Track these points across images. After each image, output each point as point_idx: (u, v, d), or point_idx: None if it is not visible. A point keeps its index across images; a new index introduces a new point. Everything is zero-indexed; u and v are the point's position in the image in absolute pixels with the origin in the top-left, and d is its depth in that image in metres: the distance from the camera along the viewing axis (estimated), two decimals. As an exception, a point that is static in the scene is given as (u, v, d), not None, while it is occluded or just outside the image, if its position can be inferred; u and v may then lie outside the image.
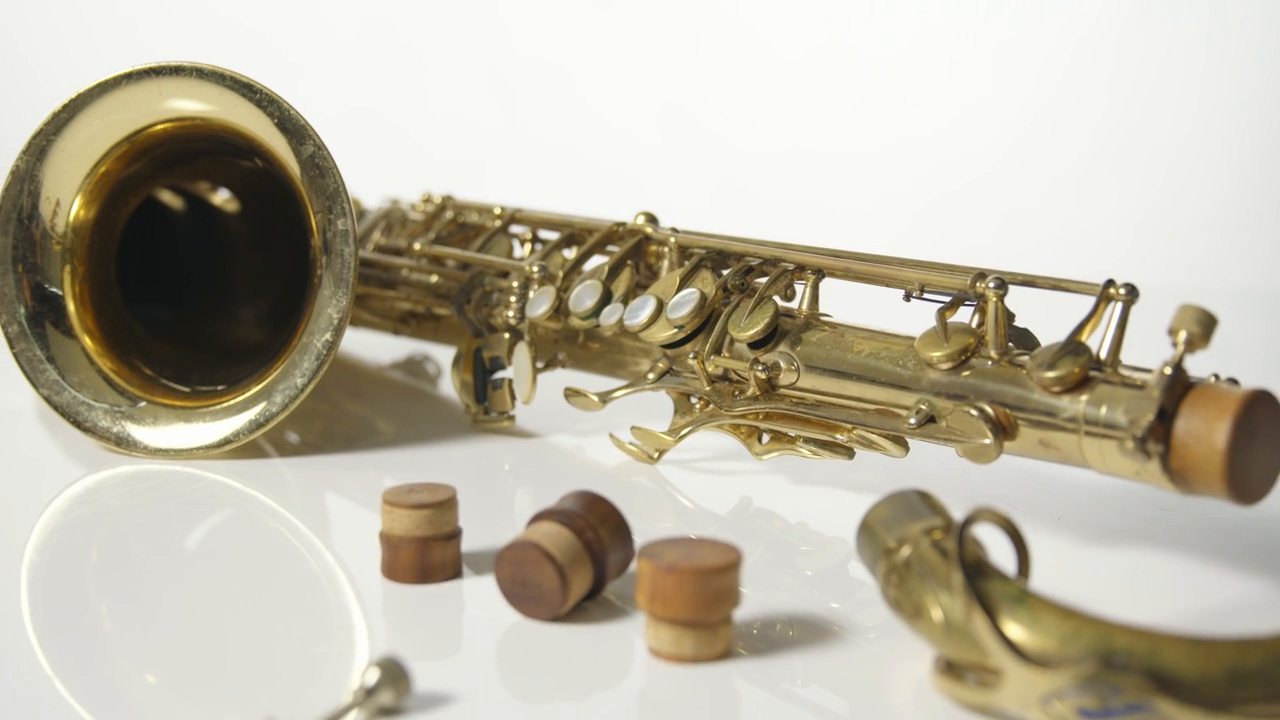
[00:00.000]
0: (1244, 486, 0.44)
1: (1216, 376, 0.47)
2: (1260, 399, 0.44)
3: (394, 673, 0.40)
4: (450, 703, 0.41)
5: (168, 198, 0.84)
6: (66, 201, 0.65)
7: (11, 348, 0.65)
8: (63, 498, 0.62)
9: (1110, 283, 0.49)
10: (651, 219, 0.66)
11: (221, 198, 0.86)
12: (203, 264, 0.86)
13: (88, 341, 0.66)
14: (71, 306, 0.66)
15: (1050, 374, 0.48)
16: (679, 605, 0.42)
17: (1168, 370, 0.45)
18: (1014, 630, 0.39)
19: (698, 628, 0.43)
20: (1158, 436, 0.45)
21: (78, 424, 0.65)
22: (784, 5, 1.40)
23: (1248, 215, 1.29)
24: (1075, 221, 1.30)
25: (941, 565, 0.41)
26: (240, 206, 0.85)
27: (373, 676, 0.40)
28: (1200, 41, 1.29)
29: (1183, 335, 0.45)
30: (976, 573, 0.40)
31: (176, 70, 0.63)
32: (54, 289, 0.66)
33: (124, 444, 0.65)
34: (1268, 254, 1.28)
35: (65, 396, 0.65)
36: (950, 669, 0.40)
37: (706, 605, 0.43)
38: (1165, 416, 0.45)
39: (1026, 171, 1.32)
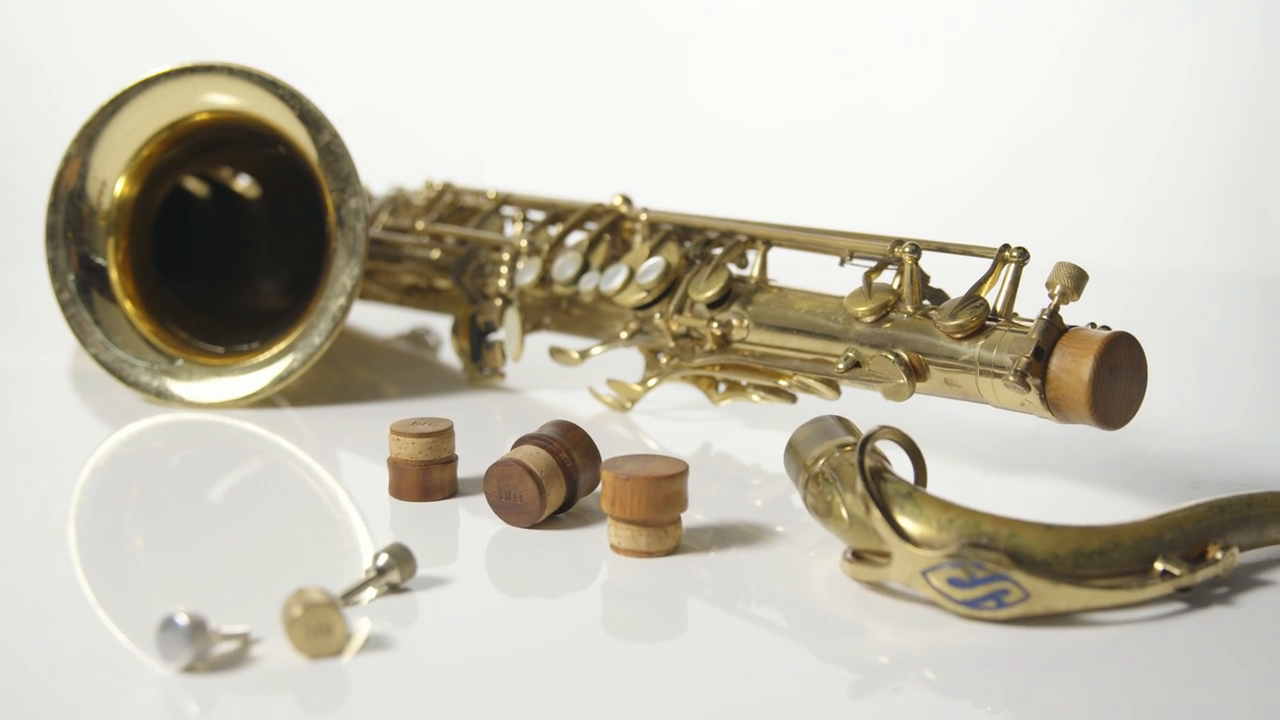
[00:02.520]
0: (1107, 414, 0.53)
1: (1093, 324, 0.56)
2: (1121, 339, 0.53)
3: (401, 556, 0.49)
4: (447, 593, 0.50)
5: (194, 186, 0.93)
6: (112, 182, 0.74)
7: (64, 311, 0.74)
8: (109, 442, 0.71)
9: (1005, 247, 0.58)
10: (626, 200, 0.75)
11: (242, 184, 0.95)
12: (226, 243, 0.95)
13: (129, 306, 0.75)
14: (114, 275, 0.75)
15: (952, 323, 0.57)
16: (635, 507, 0.51)
17: (1044, 317, 0.54)
18: (903, 520, 0.47)
19: (651, 527, 0.52)
20: (1035, 372, 0.53)
21: (122, 379, 0.74)
22: (776, 8, 1.46)
23: (1228, 208, 1.36)
24: (1062, 218, 1.35)
25: (849, 471, 0.49)
26: (260, 191, 0.94)
27: (384, 559, 0.49)
28: (1181, 40, 1.35)
29: (1057, 288, 0.54)
30: (875, 476, 0.49)
31: (210, 69, 0.72)
32: (99, 260, 0.75)
33: (163, 396, 0.74)
34: (1244, 244, 1.35)
35: (111, 355, 0.74)
36: (854, 556, 0.49)
37: (658, 507, 0.52)
38: (1042, 355, 0.54)
39: (1012, 169, 1.38)
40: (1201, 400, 0.83)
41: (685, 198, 0.95)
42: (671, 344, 0.69)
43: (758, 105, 1.47)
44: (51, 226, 0.74)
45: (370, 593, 0.49)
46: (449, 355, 0.90)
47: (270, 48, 1.41)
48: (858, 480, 0.48)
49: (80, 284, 0.74)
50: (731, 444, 0.70)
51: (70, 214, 0.74)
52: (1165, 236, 1.33)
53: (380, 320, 0.99)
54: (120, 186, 0.74)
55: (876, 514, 0.47)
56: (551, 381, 0.80)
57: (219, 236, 0.94)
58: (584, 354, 0.73)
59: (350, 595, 0.47)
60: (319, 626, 0.43)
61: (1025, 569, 0.46)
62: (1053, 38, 1.40)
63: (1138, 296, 1.16)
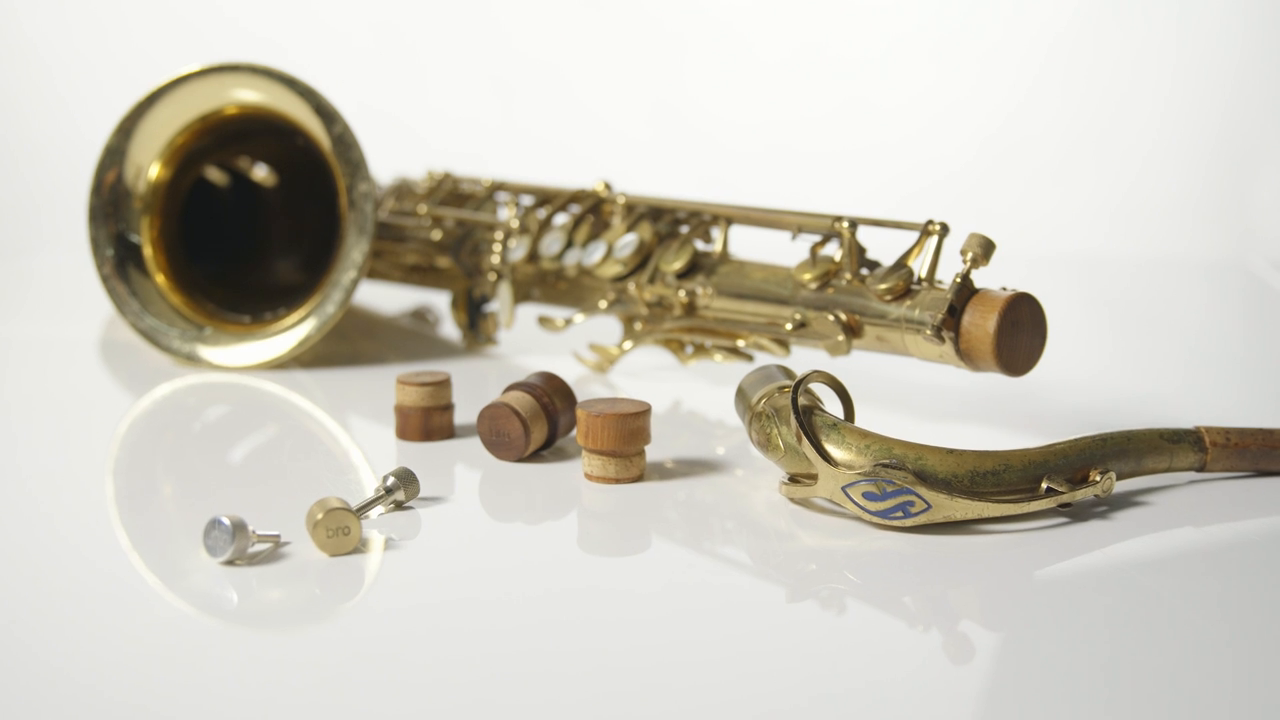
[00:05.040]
0: (1010, 363, 0.62)
1: (1004, 288, 0.64)
2: (1022, 298, 0.62)
3: (406, 477, 0.58)
4: (445, 511, 0.59)
5: (216, 176, 1.02)
6: (147, 167, 0.83)
7: (104, 284, 0.83)
8: (145, 400, 0.80)
9: (930, 221, 0.67)
10: (607, 185, 0.84)
11: (260, 174, 1.04)
12: (247, 227, 1.04)
13: (161, 280, 0.84)
14: (149, 251, 0.84)
15: (882, 286, 0.66)
16: (605, 440, 0.60)
17: (958, 280, 0.63)
18: (829, 447, 0.56)
19: (619, 457, 0.61)
20: (949, 327, 0.62)
21: (156, 344, 0.83)
22: (768, 11, 1.53)
23: (1210, 202, 1.42)
24: (1046, 217, 1.42)
25: (785, 407, 0.58)
26: (277, 180, 1.03)
27: (391, 480, 0.57)
28: (1166, 39, 1.42)
29: (969, 255, 0.63)
30: (807, 411, 0.57)
31: (235, 68, 0.81)
32: (135, 237, 0.84)
33: (193, 360, 0.83)
34: (1225, 235, 1.42)
35: (146, 323, 0.83)
36: (789, 479, 0.58)
37: (624, 440, 0.60)
38: (955, 312, 0.62)
39: (1001, 166, 1.45)
40: (1150, 370, 0.92)
41: (678, 194, 1.03)
42: (645, 311, 0.78)
43: (750, 104, 1.53)
44: (94, 208, 0.83)
45: (379, 509, 0.57)
46: (448, 330, 0.98)
47: (284, 53, 1.48)
48: (791, 414, 0.57)
49: (118, 260, 0.83)
50: (699, 401, 0.78)
51: (110, 196, 0.83)
52: (1151, 228, 1.40)
53: (385, 298, 1.08)
54: (155, 171, 0.83)
55: (805, 441, 0.56)
56: (539, 347, 0.89)
57: (240, 221, 1.03)
58: (568, 322, 0.82)
59: (363, 510, 0.56)
60: (338, 528, 0.52)
61: (928, 485, 0.54)
62: (1040, 38, 1.46)
63: (1129, 286, 1.25)
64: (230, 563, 0.52)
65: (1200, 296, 1.25)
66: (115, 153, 0.82)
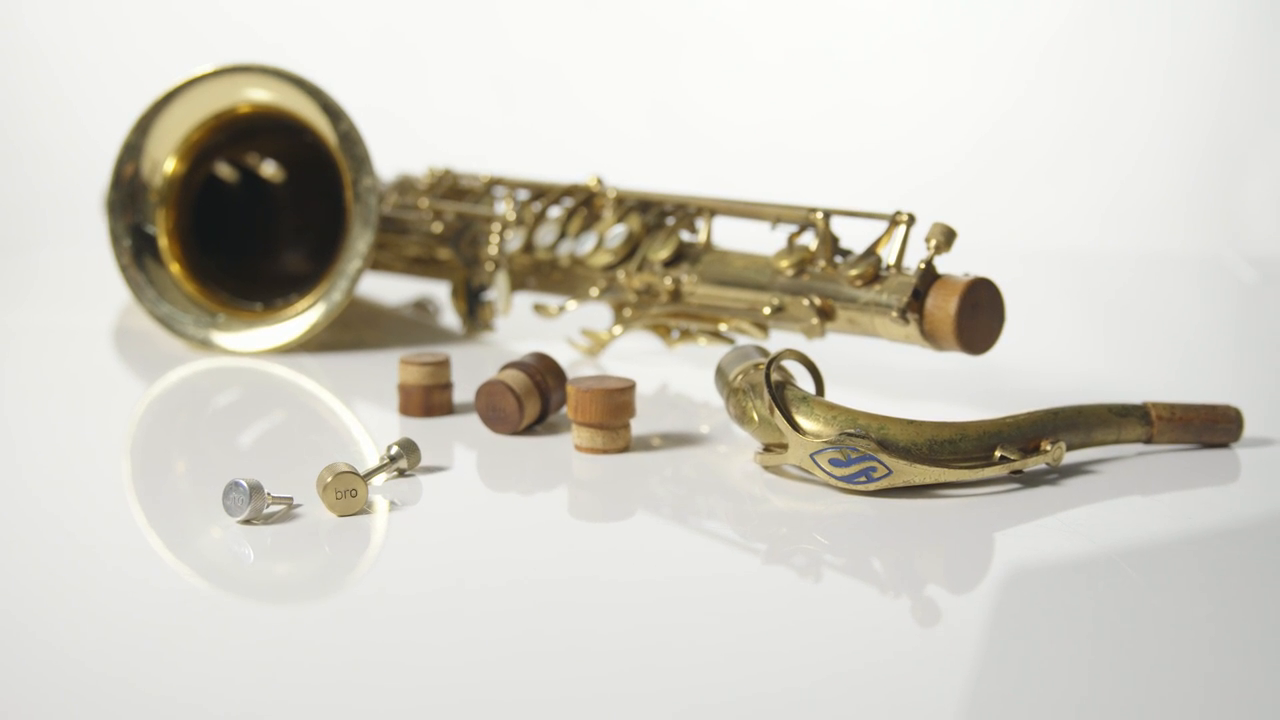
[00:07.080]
0: (970, 342, 0.67)
1: (966, 273, 0.69)
2: (981, 283, 0.67)
3: (409, 446, 0.62)
4: (445, 479, 0.64)
5: (226, 172, 1.07)
6: (163, 162, 0.88)
7: (123, 273, 0.87)
8: (162, 382, 0.85)
9: (897, 212, 0.71)
10: (599, 180, 0.89)
11: (269, 170, 1.08)
12: (256, 220, 1.08)
13: (175, 268, 0.89)
14: (164, 242, 0.89)
15: (853, 272, 0.70)
16: (592, 413, 0.65)
17: (922, 266, 0.67)
18: (799, 418, 0.61)
19: (605, 429, 0.65)
20: (914, 310, 0.67)
21: (172, 330, 0.87)
22: (765, 13, 1.57)
23: (1200, 199, 1.47)
24: (1040, 214, 1.47)
25: (760, 382, 0.63)
26: (284, 175, 1.08)
27: (395, 449, 0.62)
28: (1160, 40, 1.47)
29: (933, 243, 0.67)
30: (779, 386, 0.62)
31: (247, 68, 0.85)
32: (151, 229, 0.88)
33: (206, 345, 0.87)
34: (1215, 232, 1.46)
35: (162, 310, 0.88)
36: (763, 449, 0.63)
37: (610, 413, 0.65)
38: (919, 296, 0.67)
39: (992, 167, 1.49)
40: (1127, 358, 0.96)
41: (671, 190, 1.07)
42: (633, 298, 0.82)
43: (747, 103, 1.57)
44: (112, 201, 0.87)
45: (384, 476, 0.62)
46: (449, 320, 1.03)
47: (289, 56, 1.52)
48: (764, 388, 0.62)
49: (136, 250, 0.88)
50: (685, 384, 0.83)
51: (128, 190, 0.87)
52: (1143, 225, 1.44)
53: (388, 290, 1.12)
54: (170, 166, 0.88)
55: (777, 412, 0.61)
56: (534, 333, 0.93)
57: (251, 214, 1.08)
58: (562, 309, 0.86)
59: (369, 475, 0.61)
60: (346, 490, 0.57)
61: (889, 452, 0.59)
62: (1034, 39, 1.50)
63: (1118, 280, 1.30)
64: (247, 522, 0.56)
65: (1187, 290, 1.29)
66: (133, 148, 0.87)
